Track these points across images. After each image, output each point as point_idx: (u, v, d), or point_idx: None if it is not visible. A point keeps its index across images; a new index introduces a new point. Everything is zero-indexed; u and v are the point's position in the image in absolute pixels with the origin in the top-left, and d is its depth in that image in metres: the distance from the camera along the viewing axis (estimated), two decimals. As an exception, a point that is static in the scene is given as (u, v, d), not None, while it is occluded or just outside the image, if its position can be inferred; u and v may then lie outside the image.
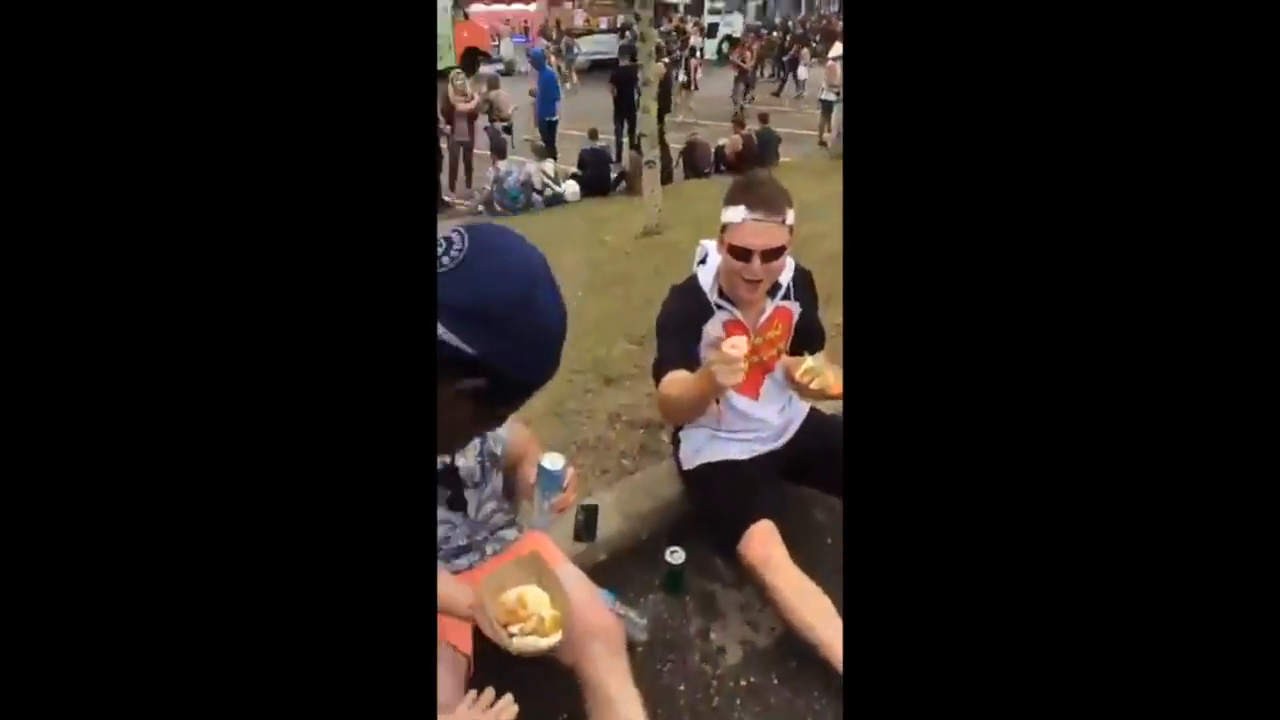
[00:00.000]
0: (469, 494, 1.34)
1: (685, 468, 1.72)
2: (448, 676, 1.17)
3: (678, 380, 1.42)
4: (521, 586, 1.16)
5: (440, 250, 0.54)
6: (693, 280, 1.60)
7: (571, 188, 7.14)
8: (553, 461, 1.18)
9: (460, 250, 0.54)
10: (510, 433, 1.34)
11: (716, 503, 1.61)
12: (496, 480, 1.38)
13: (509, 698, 0.97)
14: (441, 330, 0.51)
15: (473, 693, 0.99)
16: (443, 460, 1.25)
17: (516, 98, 8.45)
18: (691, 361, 1.47)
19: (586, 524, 1.55)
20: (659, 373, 1.49)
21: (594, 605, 1.27)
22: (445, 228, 0.55)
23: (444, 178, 7.36)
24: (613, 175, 7.47)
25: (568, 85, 12.11)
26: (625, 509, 1.79)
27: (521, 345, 0.55)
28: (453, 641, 1.23)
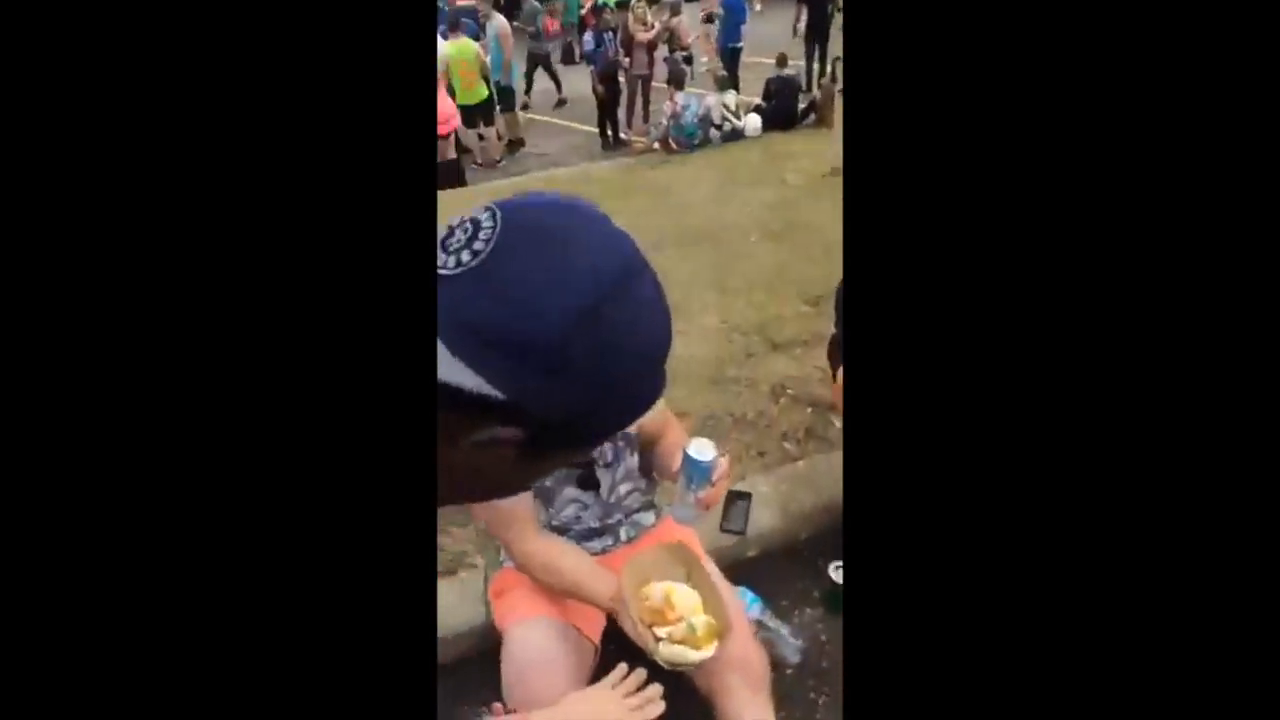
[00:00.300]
0: (601, 473, 1.24)
1: (860, 465, 1.43)
2: (571, 660, 1.10)
3: None
4: (667, 581, 1.03)
5: (460, 240, 0.35)
6: None
7: (753, 122, 6.69)
8: (700, 450, 1.02)
9: (488, 241, 0.34)
10: None
11: (897, 514, 1.32)
12: (631, 459, 1.26)
13: (658, 689, 0.84)
14: (448, 361, 0.33)
15: (621, 668, 0.86)
16: None
17: (695, 26, 8.04)
18: None
19: (737, 513, 1.38)
20: (837, 355, 1.21)
21: (736, 627, 1.08)
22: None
23: (621, 113, 7.29)
24: (800, 106, 6.89)
25: (757, 7, 11.38)
26: (784, 502, 1.59)
27: (578, 384, 0.35)
28: (579, 626, 1.16)
